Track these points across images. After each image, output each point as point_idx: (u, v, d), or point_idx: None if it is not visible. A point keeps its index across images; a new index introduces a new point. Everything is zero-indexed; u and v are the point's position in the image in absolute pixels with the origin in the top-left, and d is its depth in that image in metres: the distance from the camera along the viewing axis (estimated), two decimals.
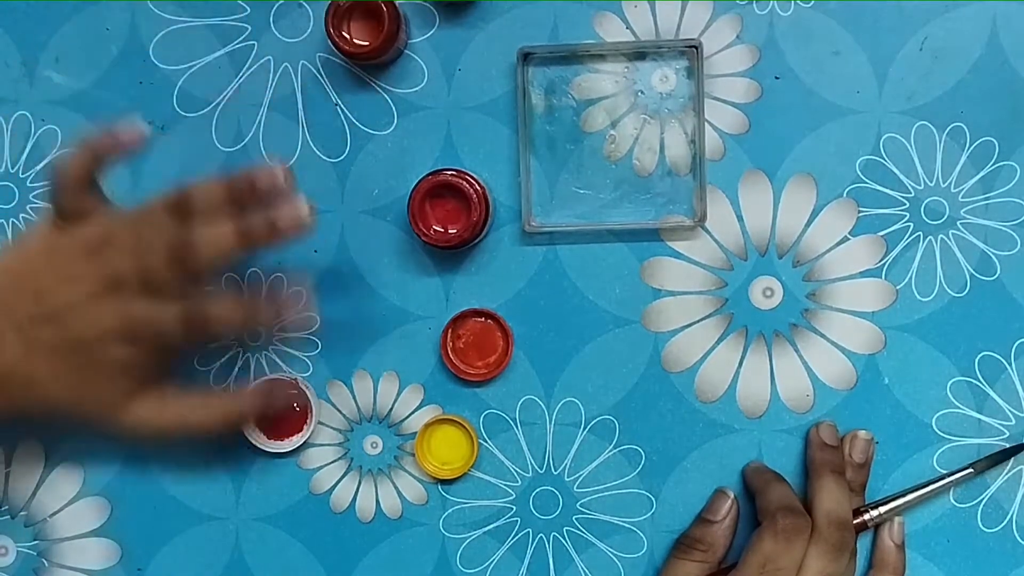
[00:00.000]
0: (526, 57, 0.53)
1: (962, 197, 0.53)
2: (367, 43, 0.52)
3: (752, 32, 0.53)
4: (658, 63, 0.54)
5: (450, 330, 0.54)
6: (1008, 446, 0.53)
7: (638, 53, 0.54)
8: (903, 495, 0.53)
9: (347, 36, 0.52)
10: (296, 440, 0.55)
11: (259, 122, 0.55)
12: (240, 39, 0.55)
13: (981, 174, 0.53)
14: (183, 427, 0.50)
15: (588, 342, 0.55)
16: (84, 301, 0.47)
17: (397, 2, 0.52)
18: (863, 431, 0.53)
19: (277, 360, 0.56)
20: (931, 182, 0.53)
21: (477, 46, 0.54)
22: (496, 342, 0.55)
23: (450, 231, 0.52)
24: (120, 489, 0.57)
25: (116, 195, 0.56)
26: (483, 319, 0.55)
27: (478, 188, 0.52)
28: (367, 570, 0.56)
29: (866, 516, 0.52)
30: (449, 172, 0.52)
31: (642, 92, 0.54)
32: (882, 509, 0.52)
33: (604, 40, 0.54)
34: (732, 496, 0.53)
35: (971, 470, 0.53)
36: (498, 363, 0.54)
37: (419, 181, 0.52)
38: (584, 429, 0.55)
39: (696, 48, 0.52)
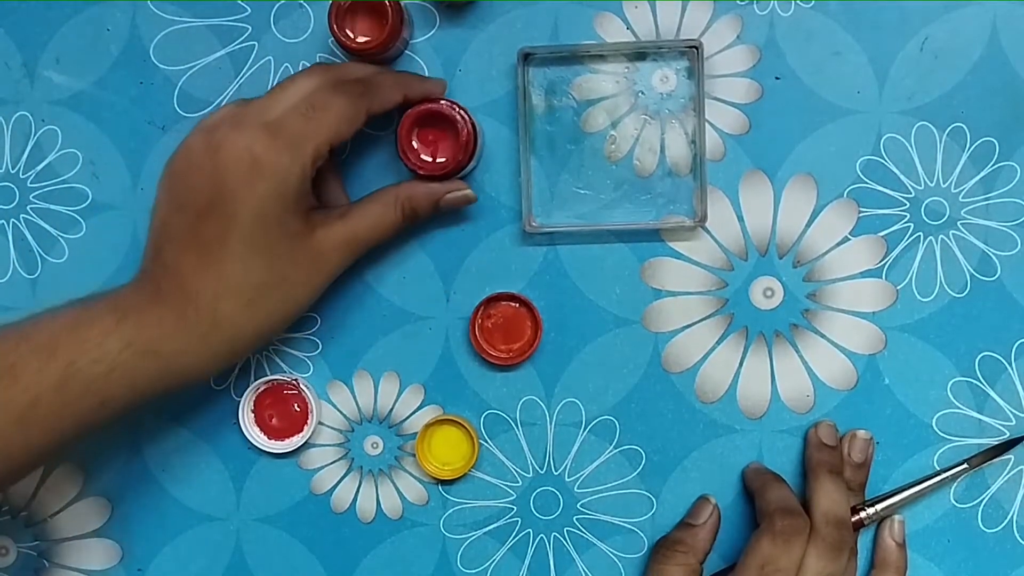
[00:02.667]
0: (526, 57, 0.53)
1: (962, 197, 0.53)
2: (371, 39, 0.52)
3: (752, 32, 0.53)
4: (658, 63, 0.54)
5: (482, 309, 0.54)
6: (1001, 440, 0.53)
7: (638, 53, 0.54)
8: (898, 492, 0.53)
9: (350, 34, 0.52)
10: (297, 440, 0.55)
11: None
12: (241, 39, 0.55)
13: (981, 174, 0.53)
14: (375, 231, 0.51)
15: (588, 342, 0.55)
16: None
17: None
18: (862, 431, 0.53)
19: (278, 360, 0.56)
20: (931, 182, 0.53)
21: (477, 47, 0.54)
22: (524, 330, 0.55)
23: (439, 160, 0.52)
24: (121, 489, 0.57)
25: (115, 196, 0.56)
26: (516, 304, 0.55)
27: (462, 113, 0.52)
28: (368, 570, 0.56)
29: (862, 514, 0.52)
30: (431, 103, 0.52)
31: (642, 92, 0.54)
32: (878, 507, 0.52)
33: (604, 41, 0.54)
34: (714, 503, 0.54)
35: (966, 465, 0.53)
36: (522, 351, 0.54)
37: (403, 115, 0.52)
38: (584, 429, 0.55)
39: (696, 48, 0.52)
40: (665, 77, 0.54)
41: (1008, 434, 0.54)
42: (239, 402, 0.55)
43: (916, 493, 0.53)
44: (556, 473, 0.55)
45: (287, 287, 0.48)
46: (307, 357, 0.56)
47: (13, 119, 0.56)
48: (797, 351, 0.54)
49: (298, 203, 0.47)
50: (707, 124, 0.54)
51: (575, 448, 0.55)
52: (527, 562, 0.56)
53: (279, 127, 0.46)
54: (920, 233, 0.53)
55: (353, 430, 0.56)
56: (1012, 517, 0.54)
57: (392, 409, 0.56)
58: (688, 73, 0.54)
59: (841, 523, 0.49)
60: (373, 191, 0.52)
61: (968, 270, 0.53)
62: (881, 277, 0.54)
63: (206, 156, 0.46)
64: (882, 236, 0.54)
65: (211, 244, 0.46)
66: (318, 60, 0.55)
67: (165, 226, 0.48)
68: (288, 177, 0.46)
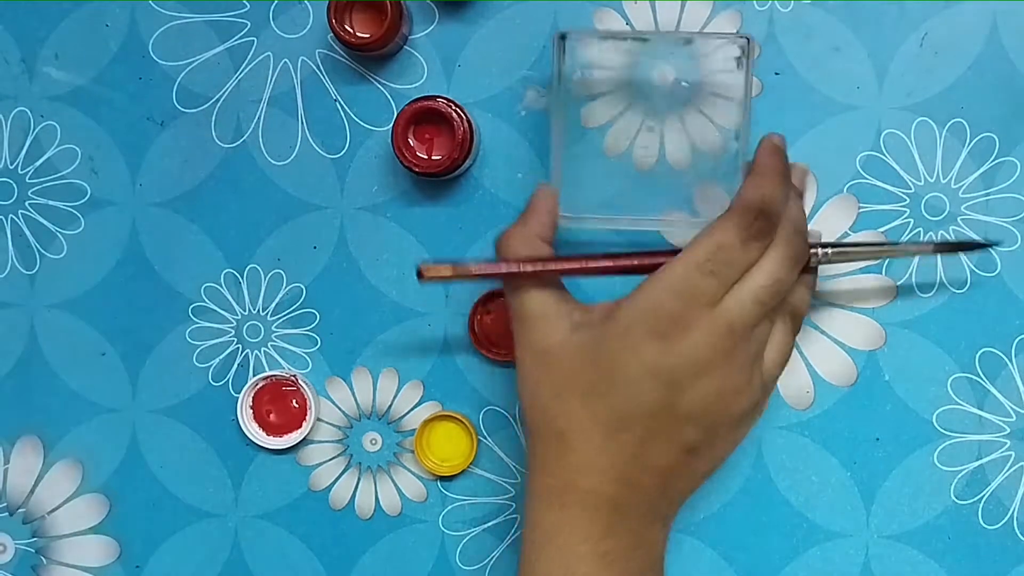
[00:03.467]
0: (563, 38, 0.50)
1: (962, 193, 0.53)
2: (370, 34, 0.52)
3: (752, 28, 0.53)
4: (692, 55, 0.52)
5: (480, 305, 0.54)
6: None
7: (679, 42, 0.52)
8: (856, 245, 0.50)
9: (349, 28, 0.52)
10: (295, 437, 0.55)
11: (258, 118, 0.55)
12: (239, 35, 0.55)
13: (981, 170, 0.53)
14: None
15: None
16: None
17: None
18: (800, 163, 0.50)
19: (276, 357, 0.56)
20: (931, 178, 0.53)
21: (476, 43, 0.54)
22: None
23: (434, 157, 0.52)
24: (119, 486, 0.57)
25: (114, 192, 0.56)
26: None
27: (458, 111, 0.52)
28: (366, 567, 0.56)
29: (817, 252, 0.48)
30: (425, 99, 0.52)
31: (684, 84, 0.52)
32: (831, 250, 0.49)
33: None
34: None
35: (931, 247, 0.51)
36: None
37: (398, 114, 0.52)
38: None
39: (747, 40, 0.50)
40: (697, 68, 0.52)
41: (1008, 430, 0.53)
42: (237, 398, 0.55)
43: (872, 252, 0.50)
44: None
45: None
46: (306, 353, 0.56)
47: (12, 115, 0.56)
48: (797, 347, 0.54)
49: None
50: (706, 119, 0.53)
51: None
52: None
53: None
54: (920, 229, 0.53)
55: (352, 426, 0.56)
56: (1012, 514, 0.54)
57: (391, 405, 0.56)
58: (733, 65, 0.52)
59: (804, 235, 0.46)
60: None
61: (968, 266, 0.53)
62: (881, 273, 0.54)
63: None
64: (882, 232, 0.53)
65: None
66: (317, 55, 0.55)
67: None
68: None
